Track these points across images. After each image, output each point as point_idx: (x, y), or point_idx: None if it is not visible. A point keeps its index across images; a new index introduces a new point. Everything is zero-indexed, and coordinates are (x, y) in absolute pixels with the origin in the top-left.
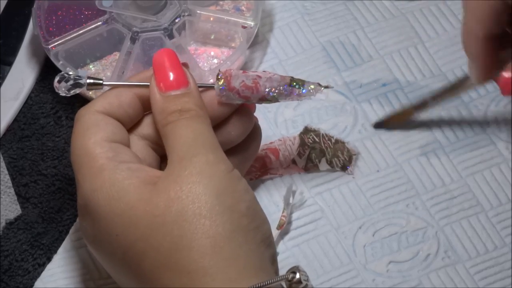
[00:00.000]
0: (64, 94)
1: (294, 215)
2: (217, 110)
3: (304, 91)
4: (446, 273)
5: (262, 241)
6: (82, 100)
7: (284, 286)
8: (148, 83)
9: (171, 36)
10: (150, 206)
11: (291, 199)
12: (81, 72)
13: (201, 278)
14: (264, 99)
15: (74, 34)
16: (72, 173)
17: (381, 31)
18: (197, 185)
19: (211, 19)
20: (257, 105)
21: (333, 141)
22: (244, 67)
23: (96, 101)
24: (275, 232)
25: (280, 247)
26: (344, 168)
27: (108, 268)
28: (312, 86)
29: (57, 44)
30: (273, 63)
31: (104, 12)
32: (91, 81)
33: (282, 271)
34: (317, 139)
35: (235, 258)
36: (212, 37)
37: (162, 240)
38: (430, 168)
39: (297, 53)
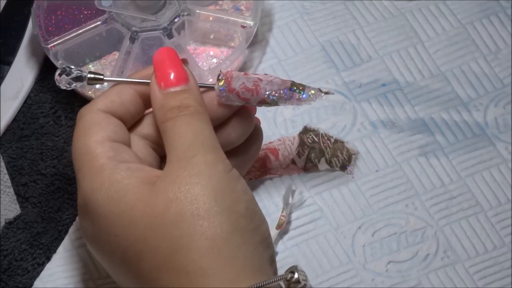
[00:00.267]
0: (64, 88)
1: (294, 215)
2: (216, 111)
3: (304, 96)
4: (445, 273)
5: (260, 242)
6: (82, 100)
7: (283, 286)
8: (149, 80)
9: (170, 36)
10: (149, 207)
11: (290, 199)
12: None
13: (199, 278)
14: (264, 102)
15: (74, 34)
16: (72, 173)
17: (380, 31)
18: (196, 186)
19: (210, 18)
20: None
21: (332, 140)
22: (244, 67)
23: (98, 99)
24: (274, 232)
25: (279, 247)
26: (343, 168)
27: (107, 268)
28: (313, 92)
29: (56, 44)
30: (272, 63)
31: (104, 12)
32: (92, 75)
33: (281, 271)
34: (316, 139)
35: (233, 259)
36: (212, 36)
37: (161, 241)
38: (429, 168)
39: (296, 53)
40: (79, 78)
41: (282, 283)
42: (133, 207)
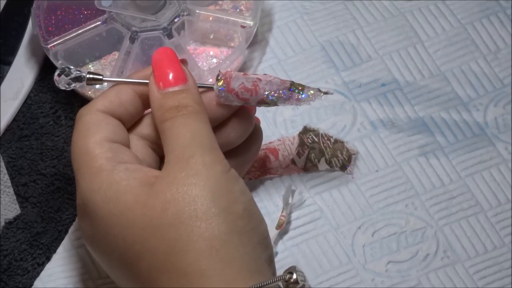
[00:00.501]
0: (64, 88)
1: (293, 215)
2: (216, 111)
3: (303, 96)
4: (445, 273)
5: (258, 242)
6: (82, 100)
7: (282, 286)
8: (148, 81)
9: (170, 36)
10: (147, 208)
11: (290, 199)
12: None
13: (197, 280)
14: (263, 102)
15: (73, 34)
16: (71, 173)
17: (380, 31)
18: (193, 187)
19: (210, 18)
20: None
21: (332, 140)
22: (243, 67)
23: (97, 100)
24: (274, 232)
25: (279, 247)
26: (343, 168)
27: (106, 268)
28: (312, 92)
29: (56, 44)
30: (272, 63)
31: (103, 12)
32: (91, 76)
33: (281, 271)
34: (316, 139)
35: (231, 260)
36: (211, 36)
37: (159, 242)
38: (429, 168)
39: (296, 53)
40: (78, 79)
41: (280, 284)
42: (131, 208)
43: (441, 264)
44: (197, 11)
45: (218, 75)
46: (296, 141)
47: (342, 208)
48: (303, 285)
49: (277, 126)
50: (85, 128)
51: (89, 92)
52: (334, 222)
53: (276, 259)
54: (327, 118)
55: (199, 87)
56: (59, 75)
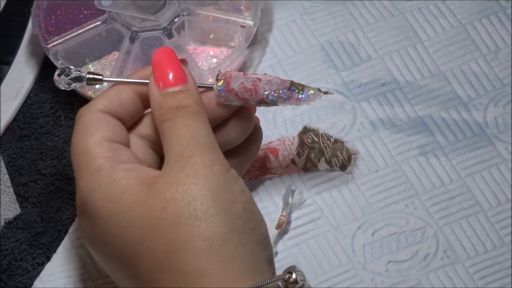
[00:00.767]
0: (63, 88)
1: (293, 215)
2: (216, 111)
3: (303, 96)
4: (445, 273)
5: (258, 242)
6: (82, 100)
7: (281, 286)
8: (148, 81)
9: (170, 36)
10: (146, 208)
11: (290, 198)
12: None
13: (197, 280)
14: (263, 102)
15: (73, 34)
16: (71, 173)
17: (380, 31)
18: (193, 186)
19: (210, 18)
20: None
21: (332, 140)
22: (243, 67)
23: (97, 99)
24: (274, 232)
25: (279, 247)
26: (343, 167)
27: (106, 268)
28: (312, 91)
29: (56, 44)
30: (272, 63)
31: (103, 12)
32: (91, 76)
33: (281, 271)
34: (316, 139)
35: (230, 260)
36: (211, 36)
37: (158, 242)
38: (429, 168)
39: (296, 53)
40: (78, 79)
41: (280, 283)
42: (130, 208)
43: (441, 264)
44: (197, 11)
45: (217, 75)
46: (296, 141)
47: (342, 208)
48: (303, 284)
49: (277, 126)
50: (85, 127)
51: (89, 92)
52: (334, 222)
53: (276, 259)
54: (327, 118)
55: (199, 87)
56: (59, 75)
